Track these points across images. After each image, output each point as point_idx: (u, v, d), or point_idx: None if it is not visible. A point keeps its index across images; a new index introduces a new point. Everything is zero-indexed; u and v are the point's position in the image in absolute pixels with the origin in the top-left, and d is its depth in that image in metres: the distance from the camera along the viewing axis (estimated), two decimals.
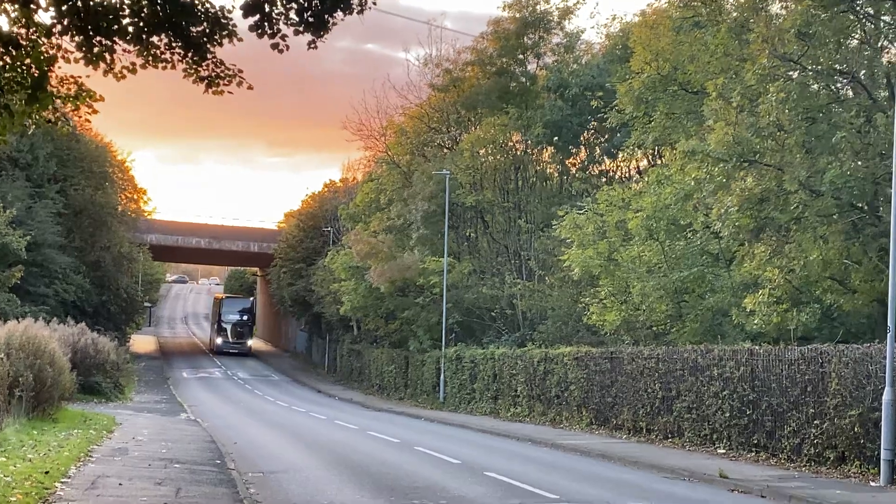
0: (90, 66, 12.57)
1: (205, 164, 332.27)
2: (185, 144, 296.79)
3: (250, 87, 13.00)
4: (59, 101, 13.31)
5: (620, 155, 50.29)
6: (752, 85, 27.21)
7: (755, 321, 26.96)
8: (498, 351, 43.71)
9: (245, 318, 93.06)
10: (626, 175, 52.65)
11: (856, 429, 21.00)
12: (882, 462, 19.68)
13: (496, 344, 47.09)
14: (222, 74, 12.88)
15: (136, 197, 78.06)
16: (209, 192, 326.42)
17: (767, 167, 26.51)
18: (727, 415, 25.88)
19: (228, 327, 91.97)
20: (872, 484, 19.70)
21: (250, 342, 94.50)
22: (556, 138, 50.94)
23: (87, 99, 13.30)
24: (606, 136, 51.08)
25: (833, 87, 27.57)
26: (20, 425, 23.10)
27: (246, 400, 52.46)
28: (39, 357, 25.74)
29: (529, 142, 52.88)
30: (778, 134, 26.20)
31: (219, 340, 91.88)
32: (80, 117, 13.62)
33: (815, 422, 22.31)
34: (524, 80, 54.80)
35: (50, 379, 26.03)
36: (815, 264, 26.16)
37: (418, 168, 55.65)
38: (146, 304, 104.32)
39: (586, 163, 53.07)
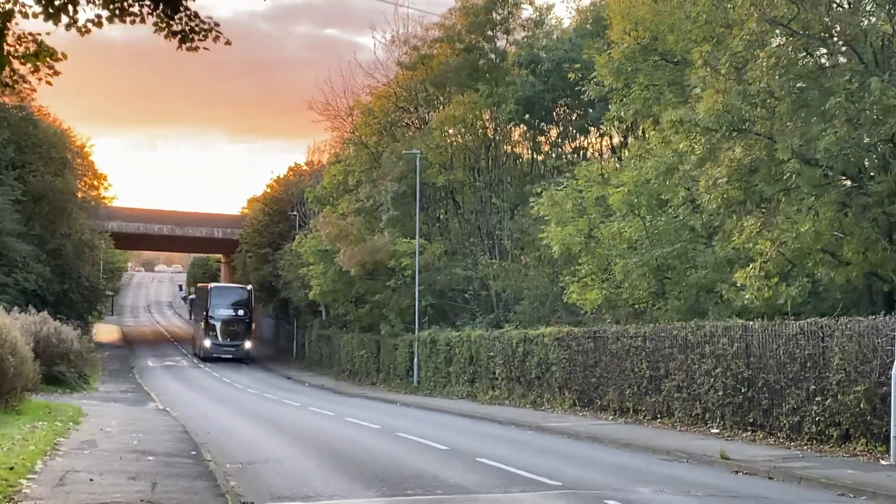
0: (50, 21, 11.36)
1: (165, 152, 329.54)
2: (145, 132, 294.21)
3: (228, 43, 11.83)
4: (16, 61, 12.06)
5: (595, 131, 49.43)
6: (739, 52, 26.22)
7: (746, 296, 26.00)
8: (474, 333, 42.70)
9: (241, 312, 73.77)
10: (600, 151, 51.75)
11: (861, 405, 20.11)
12: (892, 439, 18.74)
13: (471, 326, 46.10)
14: (197, 29, 11.70)
15: (96, 183, 76.45)
16: (170, 181, 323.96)
17: (757, 136, 25.55)
18: (720, 393, 24.99)
19: (219, 325, 72.94)
20: (883, 462, 18.80)
21: (248, 344, 74.28)
22: (527, 115, 49.93)
23: (48, 58, 12.06)
24: (580, 112, 50.15)
25: (824, 52, 26.61)
26: None
27: (215, 388, 51.25)
28: (0, 347, 24.45)
29: (500, 119, 51.82)
30: (768, 101, 25.24)
31: (207, 343, 72.42)
32: (39, 79, 12.35)
33: (817, 399, 21.42)
34: (494, 56, 53.81)
35: (12, 369, 24.74)
36: (808, 236, 25.26)
37: (387, 148, 54.50)
38: (108, 293, 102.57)
39: (560, 139, 52.05)
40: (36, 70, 12.28)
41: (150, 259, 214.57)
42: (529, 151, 54.72)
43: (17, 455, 16.76)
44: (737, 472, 18.86)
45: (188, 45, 11.76)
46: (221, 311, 72.95)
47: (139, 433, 23.04)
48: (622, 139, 49.48)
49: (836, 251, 26.34)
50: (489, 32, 53.92)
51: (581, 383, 32.75)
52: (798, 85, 25.59)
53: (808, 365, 21.81)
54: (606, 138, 50.04)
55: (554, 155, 51.79)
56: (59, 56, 12.14)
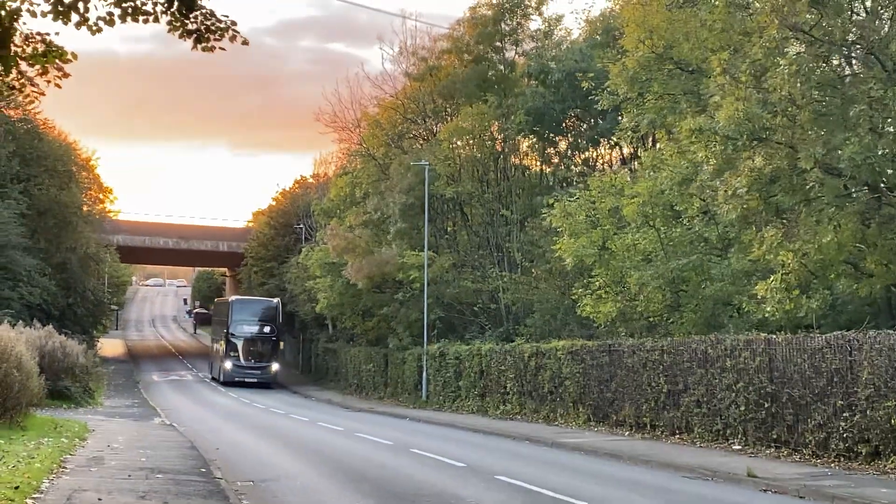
0: (60, 20, 10.85)
1: (168, 167, 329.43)
2: (149, 146, 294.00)
3: (245, 43, 11.29)
4: (23, 62, 11.53)
5: (605, 142, 48.93)
6: (758, 59, 25.70)
7: (767, 308, 25.39)
8: (485, 346, 42.08)
9: (267, 329, 63.86)
10: (609, 163, 51.23)
11: (892, 421, 19.53)
12: None
13: (481, 339, 45.51)
14: (213, 28, 11.18)
15: (101, 196, 75.97)
16: (174, 195, 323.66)
17: (778, 145, 25.00)
18: (742, 408, 24.38)
19: (241, 344, 63.33)
20: None
21: (276, 366, 64.45)
22: (537, 126, 49.39)
23: (57, 59, 11.53)
24: (591, 123, 49.65)
25: (846, 60, 26.10)
26: None
27: (221, 402, 50.63)
28: (5, 361, 23.89)
29: (510, 130, 51.32)
30: (789, 109, 24.69)
31: (227, 364, 62.93)
32: (48, 81, 11.81)
33: (845, 414, 20.82)
34: (502, 67, 53.30)
35: (17, 384, 24.18)
36: (830, 247, 24.69)
37: (395, 160, 53.96)
38: (113, 307, 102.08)
39: (570, 151, 51.51)
40: (44, 72, 11.75)
41: (154, 273, 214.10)
42: (538, 163, 54.20)
43: (23, 473, 16.19)
44: (765, 490, 18.27)
45: (203, 44, 11.24)
46: (245, 328, 63.06)
47: (147, 449, 22.46)
48: (632, 151, 48.98)
49: (859, 263, 25.80)
50: (498, 43, 53.42)
51: (596, 398, 32.15)
52: (818, 94, 25.08)
53: (835, 379, 21.22)
54: (617, 150, 49.51)
55: (563, 167, 51.19)
56: (69, 57, 11.59)
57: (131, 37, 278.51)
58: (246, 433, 31.15)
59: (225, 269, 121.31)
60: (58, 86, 11.86)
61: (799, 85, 24.24)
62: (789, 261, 24.64)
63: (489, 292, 48.73)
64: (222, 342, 64.07)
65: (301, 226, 73.60)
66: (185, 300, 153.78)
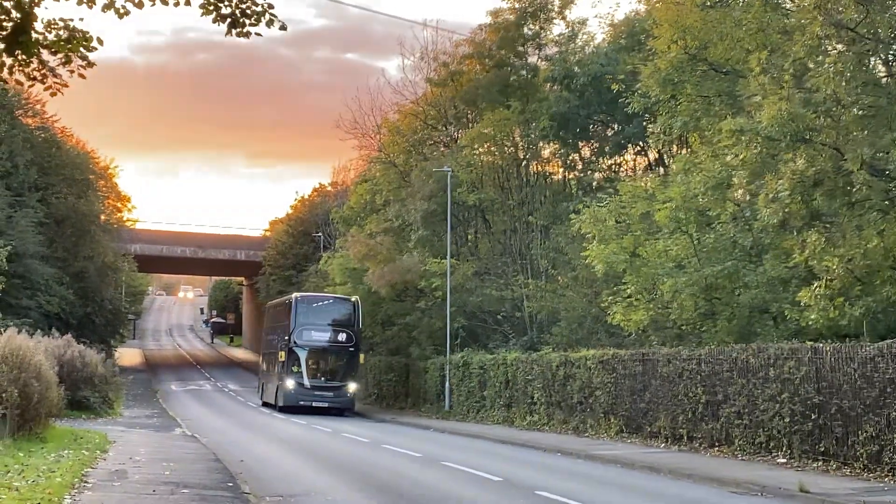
0: (84, 3, 10.06)
1: (185, 177, 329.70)
2: (165, 158, 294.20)
3: (283, 28, 10.47)
4: (45, 50, 10.74)
5: (632, 148, 48.07)
6: (801, 58, 24.83)
7: (811, 316, 24.45)
8: (510, 355, 41.19)
9: (343, 337, 49.70)
10: (633, 169, 50.37)
11: None
12: None
13: (505, 348, 44.64)
14: (248, 11, 10.38)
15: (119, 205, 75.45)
16: (190, 205, 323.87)
17: (822, 146, 24.12)
18: (787, 420, 23.45)
19: (307, 356, 49.05)
20: None
21: (353, 386, 49.79)
22: (562, 132, 48.56)
23: (81, 46, 10.73)
24: (616, 128, 48.82)
25: (894, 58, 25.22)
26: (4, 447, 20.56)
27: (241, 413, 49.80)
28: (24, 370, 23.15)
29: (534, 136, 50.51)
30: (834, 109, 23.80)
31: (289, 384, 48.46)
32: (72, 71, 11.02)
33: None
34: (525, 72, 52.53)
35: (37, 394, 23.43)
36: (877, 252, 23.78)
37: (416, 167, 53.20)
38: (130, 316, 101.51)
39: (596, 156, 50.64)
40: (67, 61, 10.96)
41: (171, 282, 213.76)
42: (561, 169, 53.35)
43: (43, 489, 15.41)
44: None
45: (238, 30, 10.44)
46: (313, 335, 49.36)
47: (170, 462, 21.64)
48: (658, 156, 48.12)
49: None
50: (520, 48, 52.68)
51: (628, 409, 31.25)
52: (864, 93, 24.17)
53: (889, 390, 20.28)
54: (643, 155, 48.65)
55: (589, 171, 50.34)
56: (94, 44, 10.79)
57: (148, 47, 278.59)
58: (270, 445, 30.32)
59: (242, 279, 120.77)
60: (82, 76, 11.06)
61: (844, 84, 23.38)
62: (834, 266, 23.72)
63: (513, 300, 47.88)
64: (280, 355, 49.55)
65: (320, 234, 72.86)
66: (201, 309, 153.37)
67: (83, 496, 15.49)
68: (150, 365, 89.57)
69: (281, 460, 25.19)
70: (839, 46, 24.36)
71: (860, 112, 23.81)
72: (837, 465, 21.60)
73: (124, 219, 75.96)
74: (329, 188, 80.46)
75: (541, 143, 52.05)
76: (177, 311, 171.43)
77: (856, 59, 23.81)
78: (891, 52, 25.19)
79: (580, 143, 50.48)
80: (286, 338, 49.42)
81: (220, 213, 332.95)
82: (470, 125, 53.84)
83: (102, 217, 67.20)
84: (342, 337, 49.44)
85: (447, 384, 47.08)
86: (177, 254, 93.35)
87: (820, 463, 22.10)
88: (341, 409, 48.77)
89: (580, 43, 52.27)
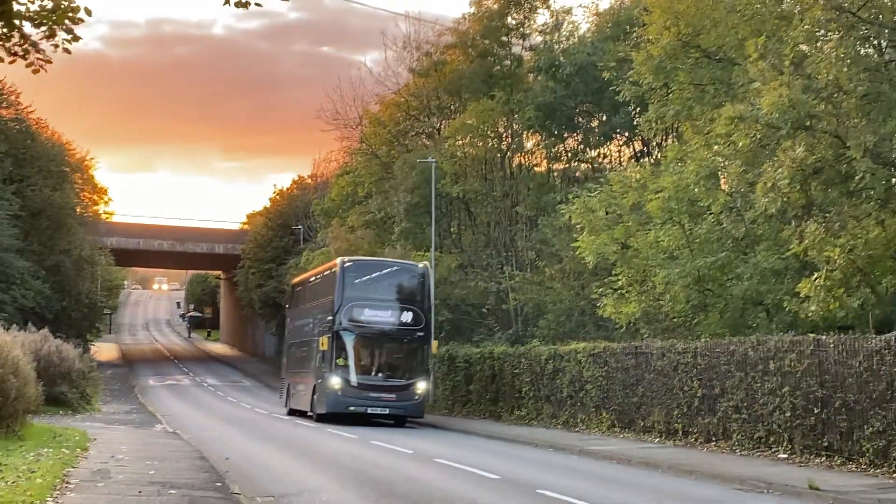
0: None
1: (160, 172, 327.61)
2: (139, 152, 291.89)
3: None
4: (27, 22, 9.98)
5: (619, 138, 47.51)
6: (800, 43, 24.27)
7: (811, 308, 23.88)
8: (497, 349, 40.52)
9: (409, 317, 37.24)
10: (619, 161, 49.81)
11: None
12: None
13: (490, 341, 43.99)
14: None
15: (95, 198, 74.28)
16: (166, 199, 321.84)
17: (823, 134, 23.53)
18: (788, 414, 22.88)
19: (358, 345, 36.82)
20: None
21: (423, 386, 37.31)
22: (547, 122, 47.93)
23: (66, 18, 9.97)
24: (601, 118, 48.26)
25: (892, 44, 24.67)
26: None
27: (221, 408, 49.03)
28: (2, 366, 22.33)
29: (519, 126, 49.85)
30: (836, 96, 23.22)
31: (333, 383, 36.18)
32: (56, 46, 10.25)
33: None
34: (509, 62, 51.91)
35: (14, 390, 22.60)
36: (878, 243, 23.24)
37: (399, 158, 52.45)
38: (107, 310, 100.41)
39: (580, 147, 50.03)
40: (51, 34, 10.19)
41: (147, 276, 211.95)
42: (545, 160, 52.71)
43: (24, 490, 14.63)
44: None
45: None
46: (369, 315, 36.66)
47: (154, 461, 20.86)
48: (644, 147, 47.60)
49: None
50: (504, 38, 52.06)
51: (621, 403, 30.64)
52: (866, 79, 23.61)
53: None
54: (630, 146, 48.09)
55: (576, 162, 49.74)
56: (80, 17, 10.03)
57: (123, 40, 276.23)
58: (255, 441, 29.57)
59: (220, 273, 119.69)
60: (66, 51, 10.30)
61: (845, 69, 22.83)
62: (836, 256, 23.15)
63: (497, 293, 47.23)
64: (320, 343, 36.54)
65: (300, 227, 72.00)
66: (178, 303, 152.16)
67: (66, 498, 14.72)
68: (126, 360, 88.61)
69: (268, 457, 24.46)
70: (839, 32, 23.82)
71: (861, 98, 23.24)
72: (842, 460, 21.03)
73: (101, 212, 74.84)
74: (309, 180, 79.53)
75: (525, 134, 51.42)
76: (153, 306, 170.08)
77: (856, 44, 23.28)
78: (893, 39, 24.61)
79: (565, 134, 49.83)
80: (329, 318, 36.37)
81: (198, 207, 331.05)
82: (454, 116, 53.13)
83: (78, 210, 66.07)
84: (407, 317, 36.60)
85: (431, 378, 46.33)
86: (154, 247, 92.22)
87: (823, 458, 21.52)
88: (405, 417, 36.79)
89: (565, 33, 51.69)
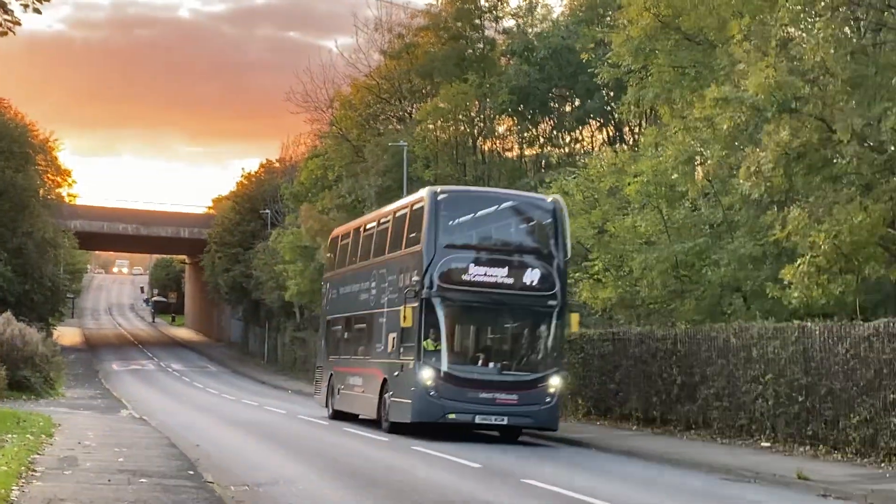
0: None
1: (124, 156, 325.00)
2: (104, 136, 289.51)
3: None
4: None
5: (593, 123, 47.09)
6: (786, 24, 23.82)
7: (794, 294, 23.44)
8: None
9: (535, 277, 24.73)
10: (592, 146, 49.39)
11: None
12: None
13: None
14: None
15: (59, 180, 73.08)
16: (130, 183, 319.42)
17: (808, 117, 23.09)
18: (771, 402, 22.49)
19: (455, 315, 24.88)
20: None
21: (556, 382, 24.64)
22: (521, 106, 47.42)
23: None
24: (573, 103, 47.82)
25: (876, 26, 24.28)
26: None
27: (188, 393, 48.39)
28: None
29: (492, 110, 49.30)
30: (822, 78, 22.77)
31: (425, 375, 24.10)
32: (25, 6, 9.59)
33: None
34: (482, 45, 51.29)
35: None
36: (863, 228, 22.83)
37: (370, 141, 51.79)
38: (70, 294, 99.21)
39: (554, 131, 49.55)
40: None
41: (110, 260, 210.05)
42: (518, 145, 52.20)
43: None
44: (825, 495, 16.28)
45: None
46: (476, 274, 24.82)
47: (122, 447, 20.20)
48: (616, 132, 47.19)
49: (891, 245, 23.98)
50: (477, 21, 51.42)
51: (597, 389, 30.22)
52: (852, 61, 23.18)
53: (885, 371, 19.32)
54: (605, 130, 47.68)
55: (550, 146, 49.26)
56: None
57: (86, 22, 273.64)
58: (224, 427, 28.95)
59: (185, 257, 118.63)
60: (37, 11, 9.64)
61: (832, 51, 22.38)
62: (821, 242, 22.72)
63: None
64: (402, 319, 24.66)
65: (268, 211, 71.22)
66: (141, 288, 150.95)
67: (32, 487, 14.06)
68: (90, 344, 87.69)
69: (240, 444, 23.91)
70: (826, 13, 23.38)
71: (848, 81, 22.81)
72: (827, 449, 20.67)
73: (64, 194, 73.72)
74: (277, 164, 78.70)
75: (498, 118, 50.89)
76: (117, 290, 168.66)
77: (844, 25, 22.87)
78: (875, 21, 24.20)
79: (539, 118, 49.34)
80: (411, 280, 24.88)
81: (163, 191, 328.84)
82: (425, 100, 52.49)
83: (42, 192, 65.04)
84: (533, 276, 24.75)
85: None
86: (118, 230, 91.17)
87: (808, 447, 21.15)
88: (518, 430, 25.48)
89: (538, 16, 51.18)
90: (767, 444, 22.27)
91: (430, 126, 50.66)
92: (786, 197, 24.68)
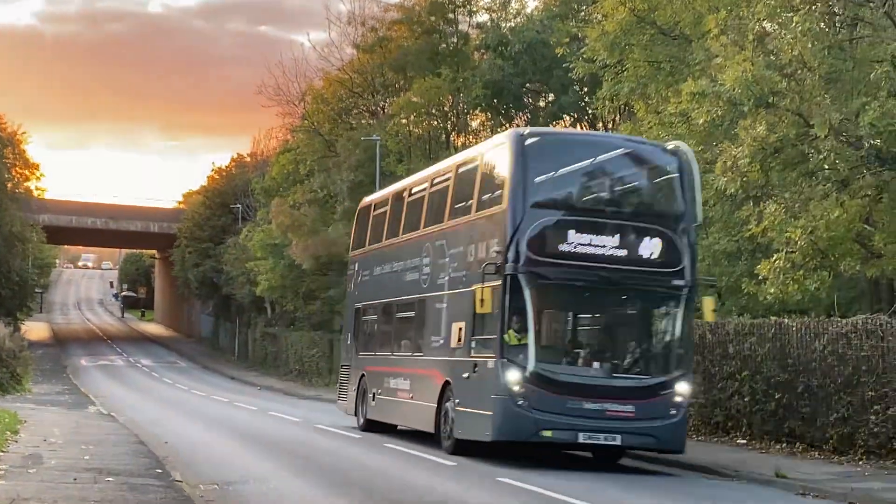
0: None
1: (95, 150, 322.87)
2: (74, 130, 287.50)
3: None
4: None
5: (567, 117, 46.87)
6: (763, 19, 23.65)
7: (770, 290, 23.25)
8: None
9: (657, 247, 18.95)
10: None
11: None
12: None
13: None
14: None
15: (27, 173, 72.27)
16: (101, 178, 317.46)
17: (786, 111, 22.92)
18: (747, 399, 22.30)
19: (550, 300, 19.29)
20: None
21: (684, 389, 18.71)
22: (495, 100, 47.18)
23: None
24: (547, 98, 47.64)
25: (851, 21, 24.16)
26: None
27: (157, 389, 47.90)
28: None
29: (463, 105, 49.03)
30: (800, 72, 22.60)
31: (510, 377, 18.08)
32: None
33: (875, 407, 18.76)
34: (455, 40, 51.00)
35: None
36: (840, 224, 22.69)
37: (342, 135, 51.42)
38: (38, 289, 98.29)
39: (530, 126, 49.31)
40: None
41: (79, 255, 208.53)
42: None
43: None
44: (803, 494, 16.09)
45: None
46: (578, 244, 18.69)
47: (89, 445, 19.81)
48: (590, 126, 47.00)
49: (867, 242, 23.86)
50: (451, 15, 51.12)
51: None
52: (830, 56, 23.04)
53: (864, 368, 19.15)
54: (579, 126, 47.46)
55: None
56: None
57: (57, 16, 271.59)
58: (193, 424, 28.57)
59: (154, 252, 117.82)
60: None
61: (810, 45, 22.20)
62: (797, 238, 22.54)
63: None
64: (479, 303, 18.41)
65: (239, 205, 70.68)
66: (111, 283, 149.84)
67: None
68: (58, 339, 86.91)
69: (209, 441, 23.55)
70: (804, 6, 23.23)
71: (825, 76, 22.66)
72: (804, 446, 20.51)
73: (33, 188, 72.85)
74: (248, 159, 78.11)
75: (471, 113, 50.62)
76: (85, 285, 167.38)
77: (822, 19, 22.71)
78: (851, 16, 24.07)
79: (513, 113, 49.12)
80: (489, 252, 19.18)
81: (132, 185, 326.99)
82: (399, 94, 52.14)
83: (9, 185, 64.33)
84: (651, 248, 19.18)
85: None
86: (87, 225, 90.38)
87: (784, 445, 21.00)
88: (648, 450, 19.60)
89: (512, 10, 50.92)
90: (744, 442, 22.11)
91: (404, 120, 50.36)
92: (762, 192, 24.45)
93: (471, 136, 52.34)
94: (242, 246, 61.10)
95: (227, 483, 16.15)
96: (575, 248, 18.47)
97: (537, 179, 19.12)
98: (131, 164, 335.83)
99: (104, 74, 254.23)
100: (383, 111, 52.81)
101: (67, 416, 28.64)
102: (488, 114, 49.46)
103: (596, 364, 18.83)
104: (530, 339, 17.96)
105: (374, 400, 24.83)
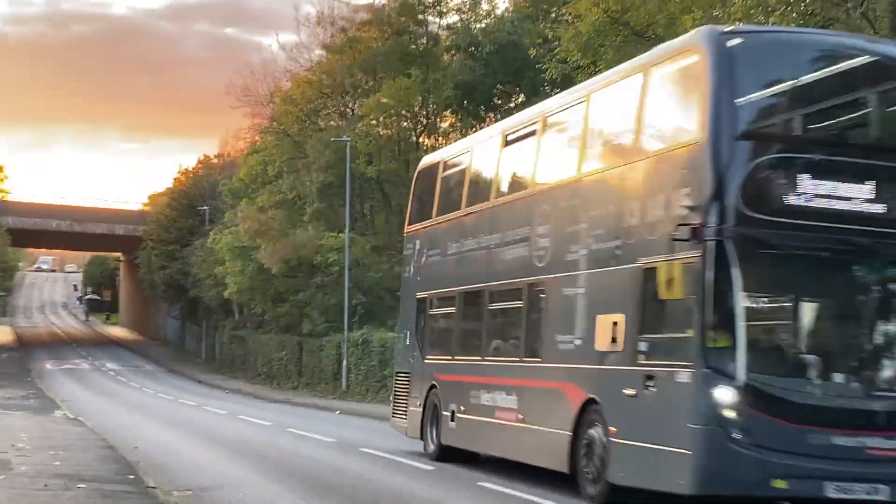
0: None
1: (58, 151, 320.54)
2: (38, 131, 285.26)
3: None
4: None
5: None
6: (738, 19, 23.61)
7: None
8: None
9: None
10: None
11: None
12: None
13: None
14: None
15: None
16: (63, 179, 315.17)
17: None
18: None
19: (765, 279, 12.51)
20: None
21: None
22: (465, 101, 47.06)
23: None
24: (517, 100, 47.53)
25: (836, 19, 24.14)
26: None
27: (125, 393, 47.39)
28: None
29: (433, 106, 48.86)
30: None
31: (725, 399, 11.75)
32: None
33: None
34: (425, 41, 50.87)
35: None
36: None
37: (311, 137, 51.11)
38: (1, 292, 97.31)
39: None
40: None
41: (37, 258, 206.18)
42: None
43: None
44: None
45: None
46: (815, 195, 12.22)
47: (58, 450, 19.39)
48: None
49: None
50: (420, 16, 50.96)
51: None
52: None
53: None
54: None
55: None
56: None
57: (20, 17, 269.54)
58: (163, 428, 28.17)
59: (119, 254, 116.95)
60: None
61: None
62: None
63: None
64: (665, 285, 12.31)
65: (206, 207, 70.13)
66: (74, 286, 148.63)
67: None
68: (22, 343, 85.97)
69: (180, 446, 23.18)
70: (779, 7, 23.23)
71: None
72: None
73: None
74: (215, 160, 77.54)
75: (441, 114, 50.48)
76: (49, 288, 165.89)
77: (800, 19, 22.68)
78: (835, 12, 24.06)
79: (484, 114, 48.97)
80: (672, 209, 12.67)
81: (97, 187, 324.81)
82: (368, 95, 51.87)
83: None
84: None
85: (345, 363, 45.16)
86: (51, 227, 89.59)
87: None
88: None
89: (482, 11, 50.81)
90: None
91: (373, 122, 50.15)
92: None
93: (440, 138, 52.20)
94: (210, 249, 60.56)
95: (202, 489, 15.84)
96: (810, 200, 12.34)
97: (747, 99, 12.91)
98: (96, 166, 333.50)
99: (69, 76, 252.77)
100: (353, 112, 52.55)
101: (34, 420, 28.11)
102: (459, 115, 49.32)
103: (846, 377, 12.64)
104: (743, 340, 11.95)
105: (452, 420, 18.93)
